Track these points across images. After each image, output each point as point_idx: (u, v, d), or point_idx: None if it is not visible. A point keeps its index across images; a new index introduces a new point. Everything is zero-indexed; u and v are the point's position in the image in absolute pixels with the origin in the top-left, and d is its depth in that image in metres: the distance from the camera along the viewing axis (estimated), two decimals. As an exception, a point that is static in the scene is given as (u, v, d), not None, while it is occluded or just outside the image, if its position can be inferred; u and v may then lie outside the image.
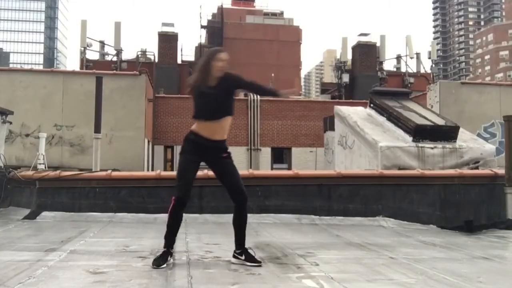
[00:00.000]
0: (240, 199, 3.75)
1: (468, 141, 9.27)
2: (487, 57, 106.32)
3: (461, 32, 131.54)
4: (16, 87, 13.00)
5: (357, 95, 25.73)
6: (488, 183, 7.21)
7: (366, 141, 9.27)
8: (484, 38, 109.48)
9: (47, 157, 9.68)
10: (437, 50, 45.47)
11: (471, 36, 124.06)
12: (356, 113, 10.50)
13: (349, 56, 30.05)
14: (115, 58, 26.68)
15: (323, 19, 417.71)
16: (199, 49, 35.90)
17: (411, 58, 30.47)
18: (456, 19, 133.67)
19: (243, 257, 3.72)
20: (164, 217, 6.29)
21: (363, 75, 27.75)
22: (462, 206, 6.97)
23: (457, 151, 8.85)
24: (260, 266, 3.63)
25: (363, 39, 30.51)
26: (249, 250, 3.75)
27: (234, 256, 3.77)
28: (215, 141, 3.76)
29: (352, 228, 6.22)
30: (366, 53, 28.82)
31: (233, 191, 3.76)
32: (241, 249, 3.75)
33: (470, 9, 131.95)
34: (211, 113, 3.73)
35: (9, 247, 4.34)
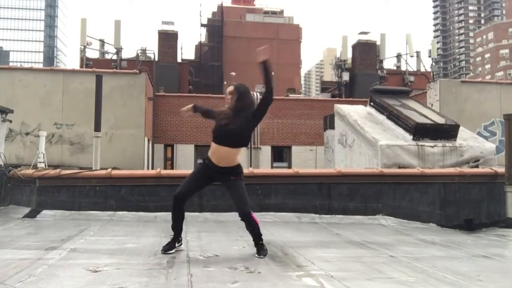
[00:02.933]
0: (239, 213, 4.01)
1: (468, 140, 9.26)
2: (487, 55, 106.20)
3: (461, 31, 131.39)
4: (16, 86, 13.01)
5: (357, 94, 25.74)
6: (488, 182, 7.21)
7: (366, 139, 9.27)
8: (484, 37, 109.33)
9: (47, 155, 9.69)
10: (437, 48, 45.42)
11: (471, 34, 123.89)
12: (356, 112, 10.50)
13: (349, 54, 30.04)
14: (115, 57, 26.68)
15: (323, 17, 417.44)
16: (199, 47, 35.91)
17: (411, 56, 30.49)
18: (456, 18, 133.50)
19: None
20: (164, 215, 6.33)
21: (363, 74, 27.74)
22: (462, 204, 6.97)
23: (457, 150, 8.84)
24: (260, 258, 3.96)
25: (363, 37, 30.48)
26: (262, 243, 4.08)
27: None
28: (222, 167, 4.01)
29: (352, 226, 6.22)
30: (366, 51, 28.81)
31: (235, 205, 4.07)
32: (256, 246, 4.11)
33: (471, 7, 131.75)
34: (224, 139, 3.98)
35: (9, 246, 4.34)
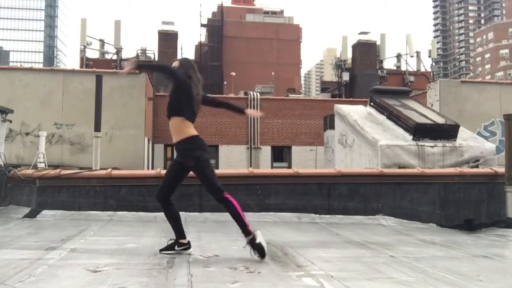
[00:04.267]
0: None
1: (468, 140, 9.27)
2: (487, 55, 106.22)
3: (461, 31, 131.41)
4: (16, 86, 13.00)
5: (357, 94, 25.75)
6: (488, 182, 7.21)
7: (366, 139, 9.27)
8: (484, 37, 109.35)
9: (47, 155, 9.68)
10: (437, 48, 45.43)
11: (471, 34, 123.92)
12: (356, 112, 10.50)
13: (349, 54, 30.06)
14: (115, 57, 26.70)
15: (323, 17, 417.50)
16: (199, 47, 35.91)
17: (411, 56, 30.53)
18: (456, 18, 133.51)
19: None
20: (164, 215, 6.32)
21: (363, 74, 27.75)
22: (462, 204, 6.97)
23: (457, 150, 8.85)
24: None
25: (363, 37, 30.50)
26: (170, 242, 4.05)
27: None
28: (175, 144, 4.16)
29: (352, 226, 6.22)
30: (366, 51, 28.83)
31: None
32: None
33: (471, 7, 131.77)
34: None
35: (9, 246, 4.34)
